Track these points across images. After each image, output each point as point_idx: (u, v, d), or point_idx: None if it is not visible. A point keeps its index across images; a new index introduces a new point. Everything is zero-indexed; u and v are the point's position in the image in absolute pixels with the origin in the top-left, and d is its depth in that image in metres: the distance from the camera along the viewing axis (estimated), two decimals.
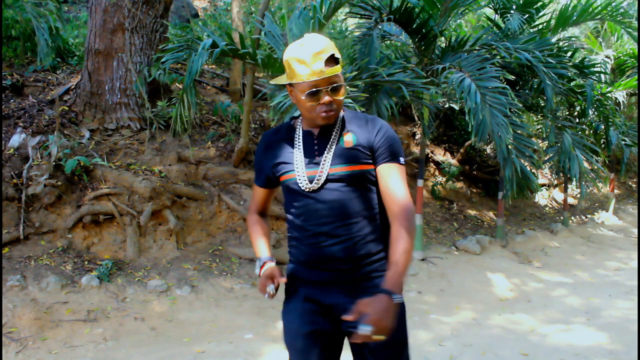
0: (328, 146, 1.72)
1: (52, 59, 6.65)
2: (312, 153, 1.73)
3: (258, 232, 1.94)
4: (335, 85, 1.63)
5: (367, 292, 1.69)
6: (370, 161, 1.71)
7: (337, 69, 1.64)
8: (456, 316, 4.85)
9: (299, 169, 1.72)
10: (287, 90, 1.77)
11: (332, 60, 1.62)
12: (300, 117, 1.81)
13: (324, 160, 1.70)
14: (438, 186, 8.69)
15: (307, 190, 1.69)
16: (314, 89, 1.62)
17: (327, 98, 1.63)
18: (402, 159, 1.72)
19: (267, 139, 1.85)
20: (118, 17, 5.95)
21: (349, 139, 1.71)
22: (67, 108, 5.97)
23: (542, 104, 7.72)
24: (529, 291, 5.81)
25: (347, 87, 4.84)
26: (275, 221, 6.00)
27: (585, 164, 7.40)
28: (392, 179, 1.68)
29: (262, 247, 1.90)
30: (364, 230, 1.70)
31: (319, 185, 1.69)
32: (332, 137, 1.72)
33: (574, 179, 7.30)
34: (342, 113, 1.77)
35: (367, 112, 5.11)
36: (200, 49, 4.60)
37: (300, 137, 1.76)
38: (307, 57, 1.60)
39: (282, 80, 1.75)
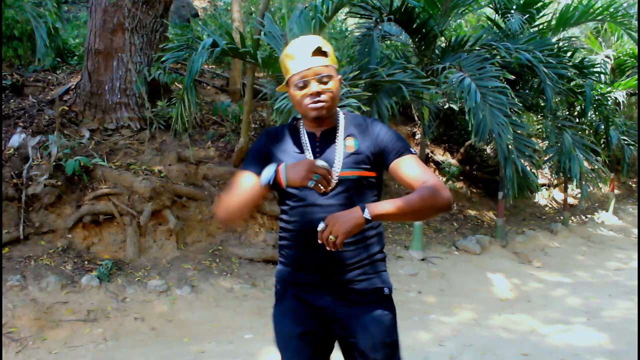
0: (333, 149, 1.69)
1: (52, 59, 6.65)
2: (314, 155, 1.70)
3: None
4: (322, 75, 1.63)
5: (355, 294, 1.70)
6: (369, 167, 1.68)
7: (324, 60, 1.64)
8: (456, 316, 4.85)
9: None
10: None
11: (319, 53, 1.64)
12: (302, 119, 1.78)
13: (336, 164, 1.67)
14: None
15: (319, 193, 1.64)
16: (302, 80, 1.63)
17: (315, 88, 1.62)
18: (412, 149, 1.69)
19: (273, 134, 1.78)
20: (118, 17, 5.94)
21: (350, 144, 1.69)
22: (67, 108, 5.97)
23: (542, 104, 7.72)
24: (529, 291, 5.81)
25: (343, 82, 4.81)
26: (275, 221, 5.99)
27: (586, 164, 7.40)
28: (413, 168, 1.64)
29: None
30: (357, 236, 1.66)
31: (332, 188, 1.63)
32: (336, 140, 1.70)
33: (575, 179, 7.30)
34: (342, 116, 1.76)
35: (368, 112, 5.11)
36: (200, 48, 4.60)
37: (307, 139, 1.73)
38: (295, 52, 1.65)
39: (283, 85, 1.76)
